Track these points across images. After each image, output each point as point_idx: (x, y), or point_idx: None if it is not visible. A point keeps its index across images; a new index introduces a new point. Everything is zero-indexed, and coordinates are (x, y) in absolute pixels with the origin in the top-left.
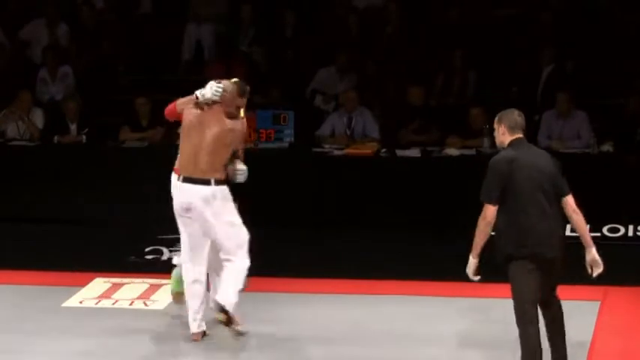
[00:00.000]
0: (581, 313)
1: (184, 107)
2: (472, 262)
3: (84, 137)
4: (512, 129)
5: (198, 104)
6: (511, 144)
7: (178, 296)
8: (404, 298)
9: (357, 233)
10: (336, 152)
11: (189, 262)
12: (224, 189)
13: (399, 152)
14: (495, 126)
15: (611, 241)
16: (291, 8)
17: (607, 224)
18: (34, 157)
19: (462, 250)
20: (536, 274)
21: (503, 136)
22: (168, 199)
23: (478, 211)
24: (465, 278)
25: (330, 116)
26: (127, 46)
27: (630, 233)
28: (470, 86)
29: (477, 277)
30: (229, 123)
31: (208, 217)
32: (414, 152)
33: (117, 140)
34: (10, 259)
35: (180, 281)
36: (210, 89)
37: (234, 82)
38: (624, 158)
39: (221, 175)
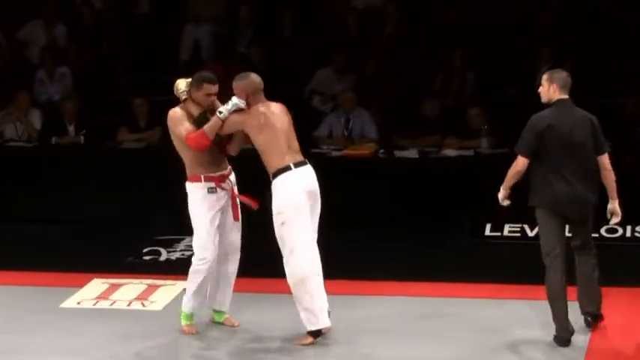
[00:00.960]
0: (579, 314)
1: (213, 128)
2: (502, 191)
3: (82, 138)
4: (562, 88)
5: (239, 110)
6: (556, 103)
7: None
8: (404, 298)
9: (354, 234)
10: (334, 153)
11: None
12: None
13: (397, 153)
14: (545, 83)
15: (609, 242)
16: (289, 8)
17: (605, 225)
18: (32, 157)
19: (460, 251)
20: (560, 223)
21: (553, 93)
22: (166, 200)
23: (477, 211)
24: (464, 279)
25: (327, 117)
26: (125, 47)
27: (628, 234)
28: (468, 86)
29: (507, 202)
30: (276, 106)
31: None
32: (412, 153)
33: (115, 141)
34: (7, 260)
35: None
36: (232, 104)
37: (242, 78)
38: (623, 158)
39: None
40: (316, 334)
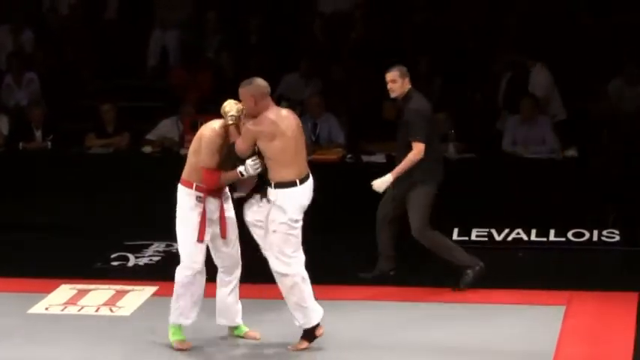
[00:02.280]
0: (547, 318)
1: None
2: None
3: (49, 143)
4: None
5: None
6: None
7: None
8: (370, 303)
9: (321, 238)
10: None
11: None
12: None
13: (365, 158)
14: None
15: (576, 246)
16: (256, 14)
17: (572, 229)
18: None
19: (428, 256)
20: None
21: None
22: (134, 205)
23: (444, 216)
24: (432, 284)
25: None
26: (93, 52)
27: (595, 238)
28: (435, 92)
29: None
30: (285, 111)
31: None
32: (380, 158)
33: (82, 146)
34: None
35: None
36: (252, 167)
37: (247, 84)
38: (589, 163)
39: None
40: (310, 336)
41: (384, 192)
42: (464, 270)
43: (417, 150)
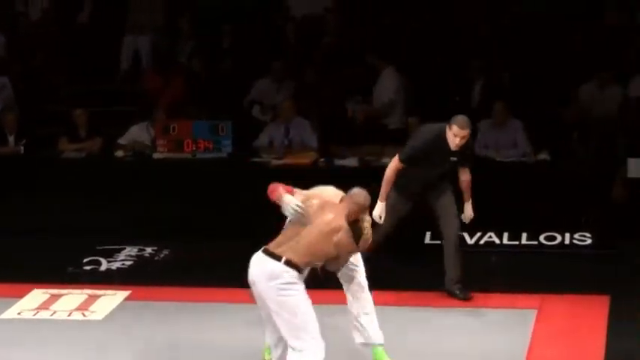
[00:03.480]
0: (518, 322)
1: None
2: None
3: (22, 148)
4: None
5: None
6: None
7: None
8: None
9: None
10: (274, 162)
11: None
12: None
13: (337, 161)
14: None
15: (548, 249)
16: (228, 19)
17: (543, 232)
18: None
19: (399, 259)
20: None
21: None
22: (107, 209)
23: (417, 219)
24: (405, 287)
25: (267, 126)
26: (65, 57)
27: (567, 241)
28: (407, 96)
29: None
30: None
31: None
32: (352, 162)
33: (55, 151)
34: None
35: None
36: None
37: None
38: (560, 167)
39: None
40: None
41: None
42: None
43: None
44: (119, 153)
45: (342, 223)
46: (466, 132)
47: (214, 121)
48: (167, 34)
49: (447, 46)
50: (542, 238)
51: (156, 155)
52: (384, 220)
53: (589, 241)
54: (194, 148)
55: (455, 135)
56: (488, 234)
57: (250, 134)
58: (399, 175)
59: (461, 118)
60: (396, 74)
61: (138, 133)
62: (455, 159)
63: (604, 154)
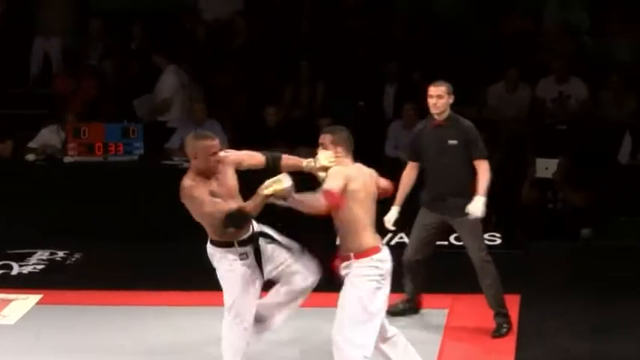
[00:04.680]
0: (430, 321)
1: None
2: None
3: None
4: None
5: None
6: None
7: None
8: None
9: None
10: (186, 164)
11: None
12: None
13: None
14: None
15: (458, 250)
16: (139, 21)
17: (454, 232)
18: None
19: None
20: None
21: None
22: (17, 213)
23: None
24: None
25: (179, 129)
26: None
27: None
28: (318, 97)
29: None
30: None
31: None
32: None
33: None
34: None
35: None
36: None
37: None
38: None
39: None
40: None
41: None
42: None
43: (488, 166)
44: (30, 156)
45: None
46: (441, 88)
47: (125, 124)
48: (77, 36)
49: (361, 48)
50: (452, 238)
51: (67, 159)
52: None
53: (499, 242)
54: (105, 152)
55: (430, 96)
56: (400, 235)
57: (161, 137)
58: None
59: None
60: (177, 73)
61: (48, 137)
62: (454, 142)
63: (513, 154)
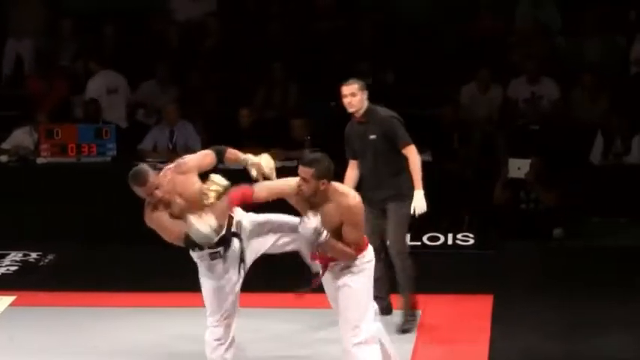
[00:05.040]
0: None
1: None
2: None
3: None
4: None
5: None
6: None
7: None
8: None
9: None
10: (160, 165)
11: None
12: None
13: (221, 165)
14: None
15: (431, 250)
16: (111, 22)
17: (427, 233)
18: None
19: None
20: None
21: None
22: None
23: None
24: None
25: (152, 130)
26: None
27: (450, 242)
28: (291, 98)
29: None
30: None
31: None
32: (237, 164)
33: None
34: None
35: None
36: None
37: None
38: (443, 167)
39: None
40: None
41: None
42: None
43: (415, 150)
44: (3, 158)
45: None
46: (353, 86)
47: (98, 125)
48: (50, 38)
49: (333, 49)
50: (425, 238)
51: (39, 160)
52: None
53: (472, 242)
54: (78, 153)
55: (344, 96)
56: None
57: (134, 138)
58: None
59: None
60: (106, 77)
61: (21, 138)
62: (373, 137)
63: (485, 155)
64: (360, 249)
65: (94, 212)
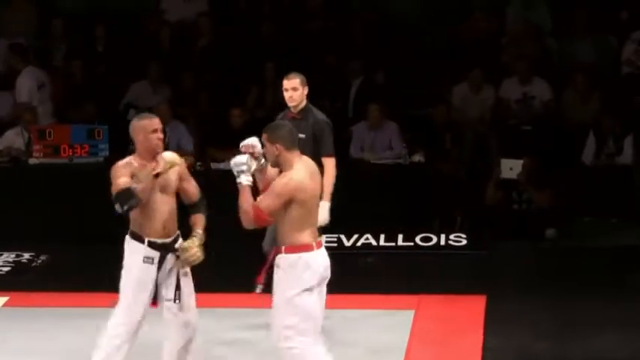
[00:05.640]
0: (396, 322)
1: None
2: None
3: None
4: None
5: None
6: None
7: None
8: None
9: None
10: None
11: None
12: None
13: (214, 165)
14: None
15: (424, 250)
16: (102, 22)
17: (419, 233)
18: None
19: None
20: None
21: None
22: None
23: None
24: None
25: None
26: None
27: (442, 242)
28: (283, 98)
29: None
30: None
31: None
32: (228, 165)
33: None
34: None
35: None
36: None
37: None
38: (435, 168)
39: None
40: None
41: None
42: None
43: (333, 164)
44: None
45: None
46: (295, 80)
47: (91, 126)
48: (41, 38)
49: (324, 49)
50: (418, 239)
51: (32, 161)
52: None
53: (464, 242)
54: (71, 153)
55: (285, 89)
56: (365, 235)
57: (126, 138)
58: None
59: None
60: (32, 74)
61: (13, 138)
62: (303, 136)
63: (478, 155)
64: (260, 218)
65: (86, 213)
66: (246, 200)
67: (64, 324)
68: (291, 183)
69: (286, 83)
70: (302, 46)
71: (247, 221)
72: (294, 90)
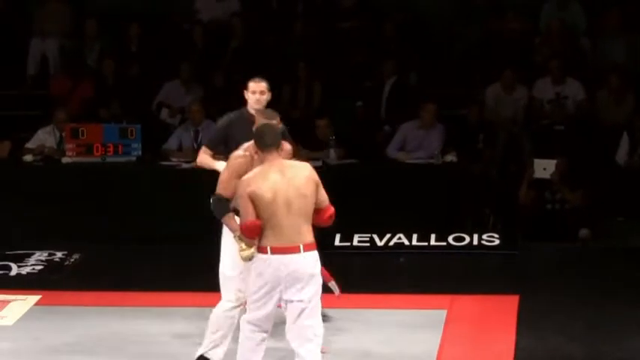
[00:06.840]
0: (428, 322)
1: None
2: None
3: None
4: None
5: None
6: None
7: None
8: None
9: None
10: (184, 166)
11: None
12: None
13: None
14: None
15: (457, 250)
16: (135, 22)
17: (452, 233)
18: None
19: None
20: None
21: None
22: (16, 214)
23: None
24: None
25: (176, 130)
26: None
27: (475, 242)
28: (315, 98)
29: None
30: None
31: None
32: None
33: None
34: None
35: None
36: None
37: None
38: (468, 168)
39: None
40: None
41: None
42: None
43: None
44: (28, 157)
45: None
46: (262, 84)
47: (123, 125)
48: (74, 38)
49: (356, 49)
50: (450, 239)
51: (64, 160)
52: None
53: (497, 242)
54: (104, 152)
55: (253, 92)
56: (398, 235)
57: (159, 137)
58: None
59: None
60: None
61: (45, 137)
62: None
63: (511, 155)
64: (248, 229)
65: (118, 212)
66: (234, 225)
67: (96, 323)
68: (242, 182)
69: (256, 86)
70: (334, 45)
71: (249, 239)
72: (262, 94)
